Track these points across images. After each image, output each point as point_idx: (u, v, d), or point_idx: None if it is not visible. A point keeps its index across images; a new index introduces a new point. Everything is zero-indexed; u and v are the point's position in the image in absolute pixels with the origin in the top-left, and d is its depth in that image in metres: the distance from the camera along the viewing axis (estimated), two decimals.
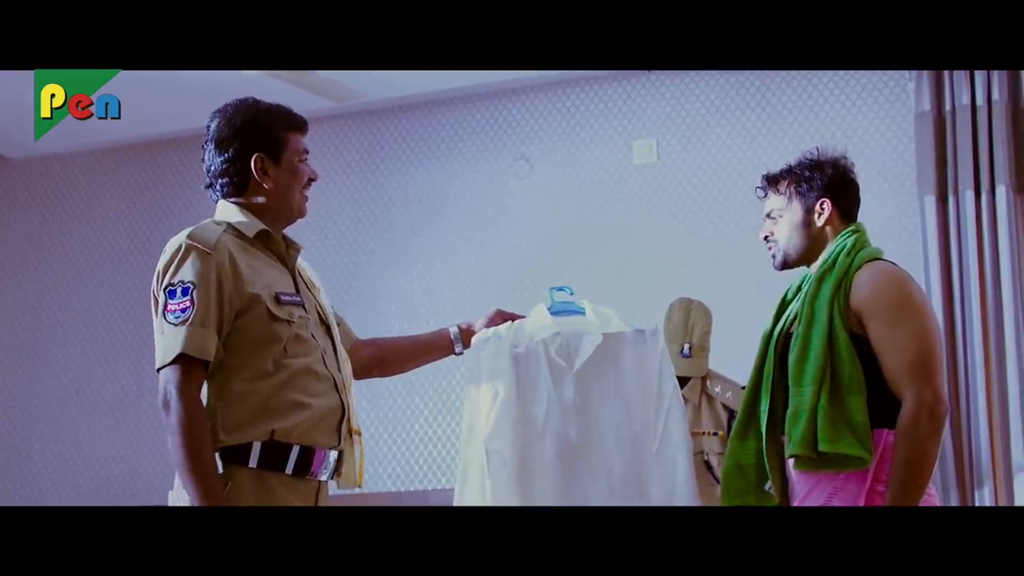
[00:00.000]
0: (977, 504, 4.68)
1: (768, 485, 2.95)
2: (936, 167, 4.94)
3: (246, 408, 2.59)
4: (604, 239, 5.52)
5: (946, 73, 4.98)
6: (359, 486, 2.82)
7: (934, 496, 2.85)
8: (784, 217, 3.02)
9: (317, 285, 2.91)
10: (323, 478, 2.70)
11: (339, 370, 2.78)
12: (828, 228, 2.99)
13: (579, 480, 3.02)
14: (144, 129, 6.06)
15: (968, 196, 4.87)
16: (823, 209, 2.98)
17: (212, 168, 2.78)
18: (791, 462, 2.89)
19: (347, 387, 2.79)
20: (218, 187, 2.79)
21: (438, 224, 5.83)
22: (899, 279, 2.88)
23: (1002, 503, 4.63)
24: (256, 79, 4.71)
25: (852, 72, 5.25)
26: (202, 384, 2.60)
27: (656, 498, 3.02)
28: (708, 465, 4.03)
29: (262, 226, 2.75)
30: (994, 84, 4.89)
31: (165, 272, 2.62)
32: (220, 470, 2.56)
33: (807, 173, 3.01)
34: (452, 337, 3.17)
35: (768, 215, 3.07)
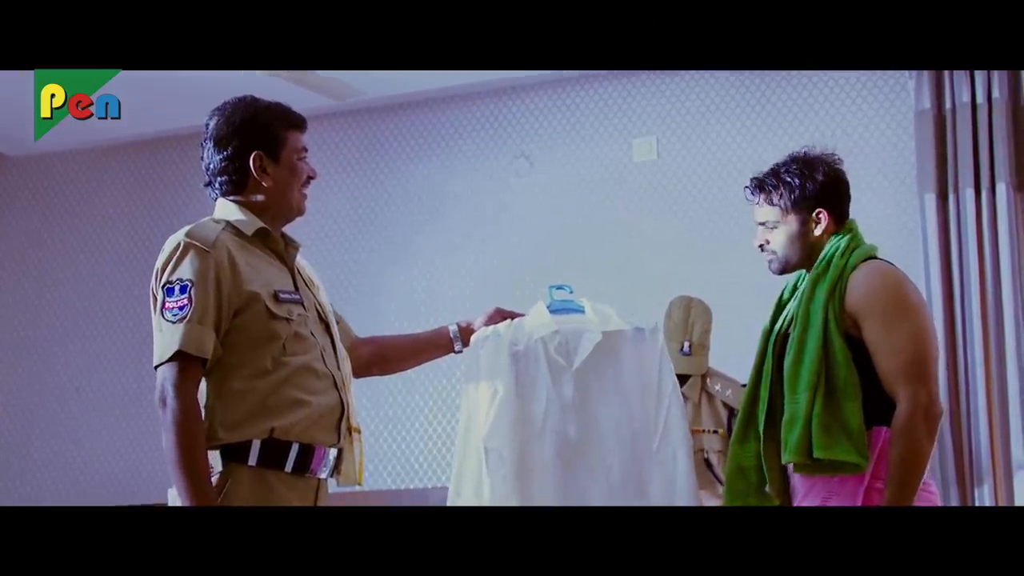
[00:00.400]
0: (977, 502, 4.68)
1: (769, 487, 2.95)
2: (936, 165, 4.94)
3: (245, 406, 2.59)
4: (604, 237, 5.52)
5: (946, 71, 4.98)
6: (359, 484, 2.82)
7: (934, 494, 2.85)
8: (780, 228, 2.99)
9: (316, 283, 2.91)
10: (323, 476, 2.71)
11: (338, 368, 2.78)
12: (825, 235, 2.97)
13: (578, 478, 3.02)
14: (144, 127, 6.06)
15: (968, 194, 4.87)
16: (819, 220, 2.96)
17: (211, 166, 2.78)
18: (790, 466, 2.90)
19: (346, 385, 2.79)
20: (217, 185, 2.78)
21: (438, 222, 5.83)
22: (894, 279, 2.87)
23: (1002, 501, 4.63)
24: (256, 77, 4.71)
25: (852, 70, 5.25)
26: (199, 382, 2.60)
27: (656, 496, 3.02)
28: (708, 463, 4.03)
29: (261, 224, 2.75)
30: (994, 82, 4.89)
31: (164, 270, 2.62)
32: (220, 468, 2.57)
33: (799, 182, 2.95)
34: (451, 335, 3.17)
35: (762, 224, 3.04)
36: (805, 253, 2.98)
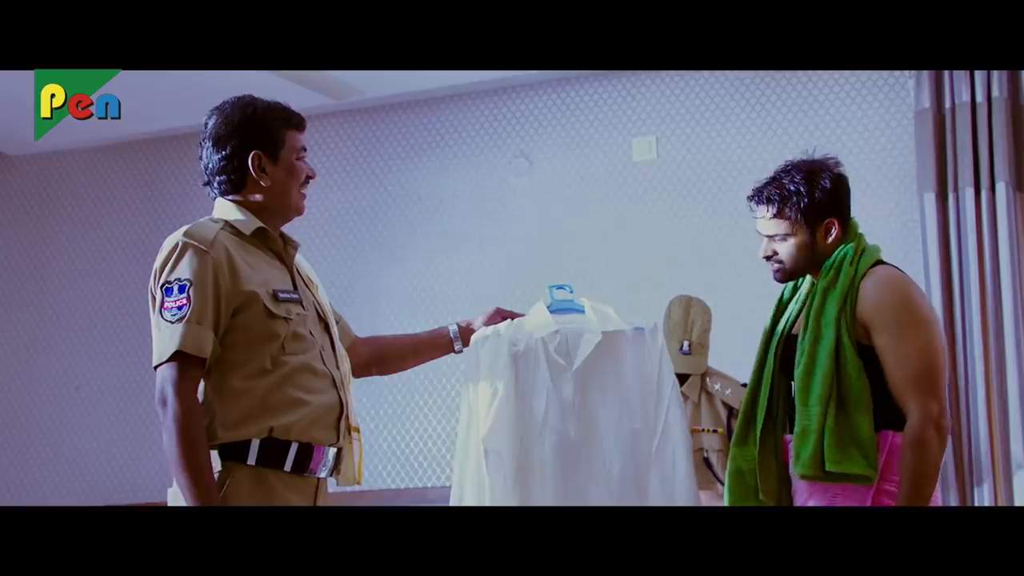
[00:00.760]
0: (976, 501, 4.68)
1: None
2: (936, 164, 4.94)
3: (244, 405, 2.59)
4: (603, 236, 5.52)
5: (946, 71, 4.97)
6: (358, 483, 2.82)
7: (936, 494, 2.85)
8: (789, 241, 2.94)
9: (315, 282, 2.91)
10: (322, 475, 2.71)
11: (337, 367, 2.78)
12: (834, 243, 2.95)
13: (578, 479, 3.02)
14: (144, 126, 6.05)
15: (968, 193, 4.87)
16: (831, 230, 2.93)
17: (210, 166, 2.78)
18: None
19: (345, 384, 2.79)
20: (216, 185, 2.78)
21: (437, 221, 5.83)
22: (904, 289, 2.86)
23: (1001, 500, 4.63)
24: (256, 76, 4.70)
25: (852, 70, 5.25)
26: (199, 382, 2.60)
27: (656, 497, 3.02)
28: (708, 462, 4.04)
29: (259, 223, 2.75)
30: (994, 81, 4.89)
31: (162, 269, 2.62)
32: (219, 467, 2.57)
33: (805, 190, 2.90)
34: (451, 335, 3.17)
35: (770, 236, 2.98)
36: (813, 262, 2.96)
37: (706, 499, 3.94)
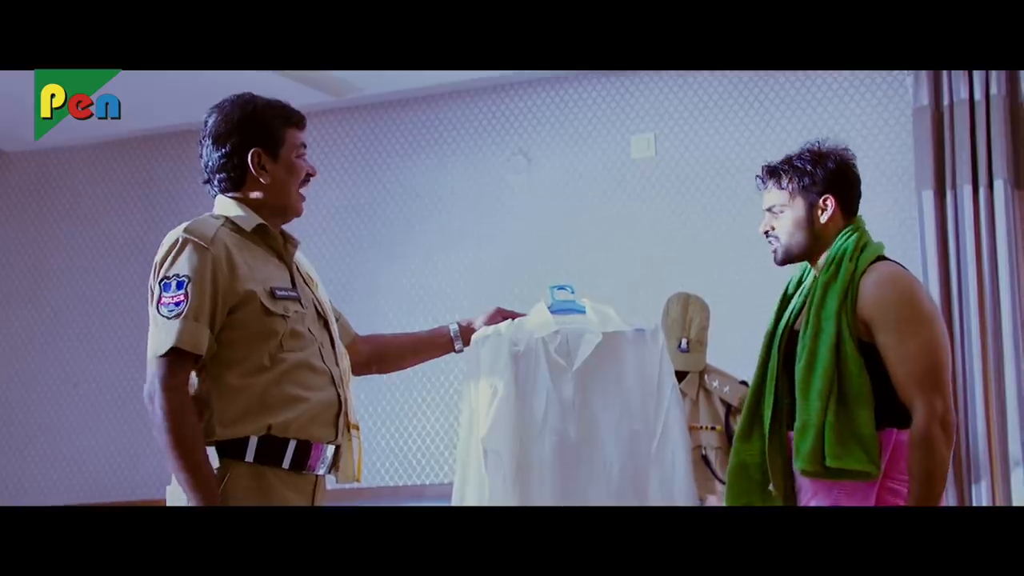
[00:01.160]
0: (974, 499, 4.69)
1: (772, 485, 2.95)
2: (934, 162, 4.94)
3: (242, 402, 2.59)
4: (602, 234, 5.52)
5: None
6: (357, 480, 2.82)
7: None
8: (786, 213, 2.97)
9: (315, 280, 2.91)
10: (320, 472, 2.71)
11: (336, 364, 2.78)
12: (831, 224, 2.96)
13: (578, 479, 3.02)
14: (144, 123, 6.05)
15: (966, 191, 4.87)
16: (826, 206, 2.95)
17: (209, 164, 2.77)
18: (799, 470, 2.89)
19: (345, 381, 2.79)
20: (215, 182, 2.78)
21: (436, 218, 5.82)
22: (905, 284, 2.86)
23: (999, 498, 4.64)
24: (255, 72, 4.69)
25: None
26: (189, 378, 2.60)
27: (655, 498, 3.02)
28: (706, 459, 4.04)
29: (260, 220, 2.75)
30: (992, 79, 4.89)
31: (161, 265, 2.62)
32: (216, 465, 2.56)
33: (810, 168, 2.96)
34: (452, 334, 3.17)
35: (769, 209, 3.02)
36: (809, 241, 2.96)
37: (704, 496, 3.95)
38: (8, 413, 6.32)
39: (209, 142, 2.76)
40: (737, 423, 3.91)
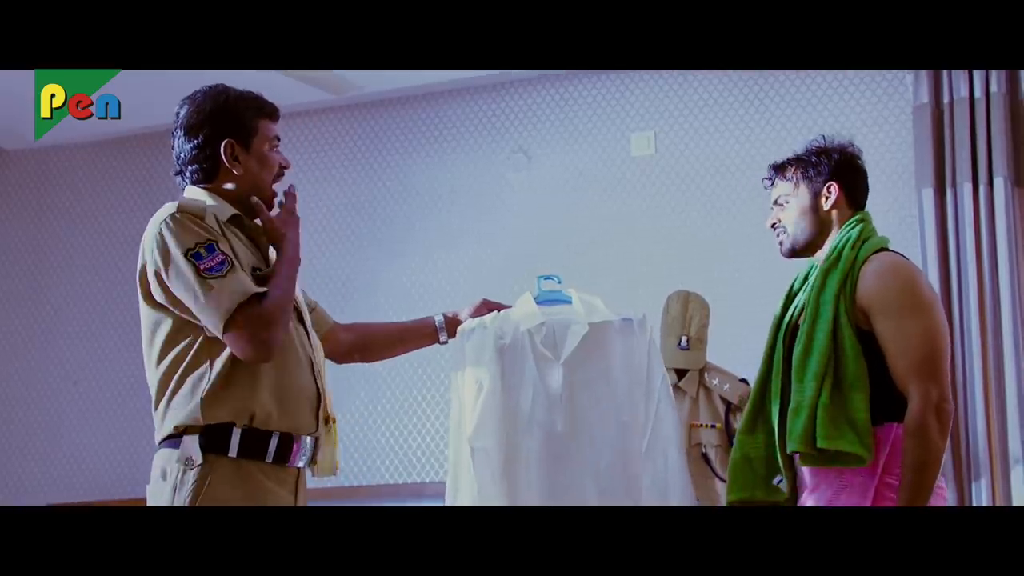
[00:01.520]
0: (974, 497, 4.69)
1: (778, 479, 2.93)
2: (934, 160, 4.94)
3: (224, 389, 2.57)
4: (601, 231, 5.52)
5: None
6: (334, 473, 2.81)
7: (943, 490, 2.84)
8: (791, 203, 3.00)
9: None
10: (300, 464, 2.69)
11: (313, 356, 2.77)
12: (835, 213, 2.98)
13: (566, 472, 2.99)
14: (143, 121, 6.04)
15: (966, 189, 4.87)
16: (830, 193, 2.97)
17: (181, 155, 2.75)
18: (796, 457, 2.89)
19: (321, 373, 2.78)
20: (187, 174, 2.75)
21: (435, 216, 5.82)
22: (907, 274, 2.86)
23: (999, 496, 4.64)
24: (254, 71, 4.70)
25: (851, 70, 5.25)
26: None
27: (647, 493, 3.00)
28: (706, 457, 4.04)
29: (234, 211, 2.72)
30: (992, 77, 4.89)
31: (175, 243, 2.58)
32: (199, 461, 2.54)
33: (814, 158, 3.00)
34: (437, 325, 3.18)
35: (775, 202, 3.05)
36: (815, 230, 2.98)
37: (704, 494, 3.93)
38: (8, 410, 6.32)
39: (181, 133, 2.74)
40: (737, 421, 3.92)
